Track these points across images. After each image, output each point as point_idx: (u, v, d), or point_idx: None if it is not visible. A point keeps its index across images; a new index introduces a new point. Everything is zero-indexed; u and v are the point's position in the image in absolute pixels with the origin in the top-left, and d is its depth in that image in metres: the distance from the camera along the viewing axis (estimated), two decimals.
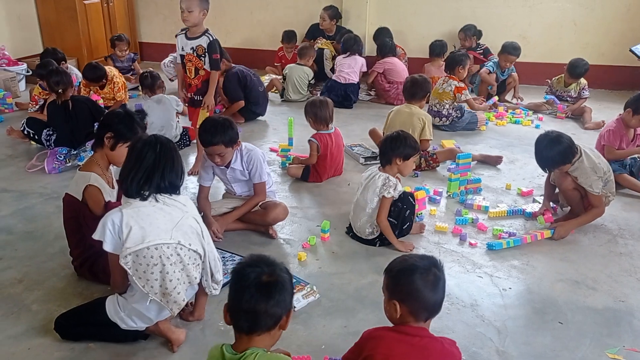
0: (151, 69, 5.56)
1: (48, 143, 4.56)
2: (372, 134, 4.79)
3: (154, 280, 2.23)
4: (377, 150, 4.64)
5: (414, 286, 1.83)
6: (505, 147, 4.95)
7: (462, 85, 5.29)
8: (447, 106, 5.29)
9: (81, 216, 2.76)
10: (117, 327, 2.33)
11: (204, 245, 2.35)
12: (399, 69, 6.27)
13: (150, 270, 2.21)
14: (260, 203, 3.37)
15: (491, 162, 4.53)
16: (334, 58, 6.88)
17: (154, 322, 2.35)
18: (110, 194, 2.83)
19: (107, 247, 2.21)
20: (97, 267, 2.77)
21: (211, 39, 4.12)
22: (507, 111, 5.95)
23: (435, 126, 4.94)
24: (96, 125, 4.25)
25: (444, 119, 5.32)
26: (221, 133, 3.07)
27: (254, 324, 1.64)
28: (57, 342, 2.39)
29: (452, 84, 5.26)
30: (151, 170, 2.25)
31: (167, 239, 2.22)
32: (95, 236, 2.22)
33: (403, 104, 4.55)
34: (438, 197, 3.84)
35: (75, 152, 4.43)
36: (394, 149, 3.20)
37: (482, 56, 6.76)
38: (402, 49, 6.99)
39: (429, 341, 1.83)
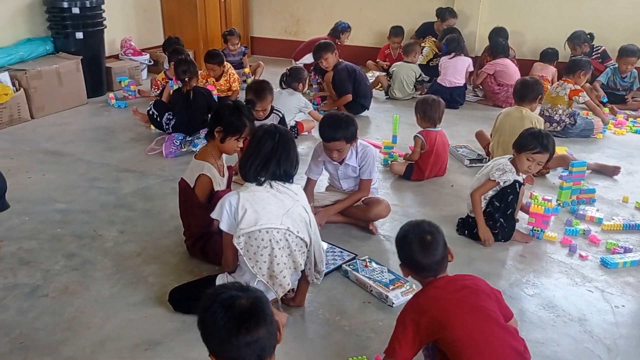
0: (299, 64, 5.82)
1: (167, 126, 4.86)
2: (479, 136, 4.68)
3: (263, 262, 2.33)
4: (483, 153, 4.55)
5: (408, 253, 2.03)
6: (623, 157, 4.65)
7: (578, 87, 5.02)
8: (559, 111, 5.04)
9: (189, 202, 2.94)
10: None
11: (310, 235, 2.42)
12: (510, 71, 6.06)
13: (260, 252, 2.32)
14: (363, 198, 3.42)
15: (607, 172, 4.27)
16: (433, 58, 6.79)
17: None
18: (221, 183, 2.98)
19: (223, 226, 2.35)
20: (208, 248, 2.94)
21: None
22: (627, 119, 5.58)
23: None
24: (209, 115, 4.65)
25: (555, 124, 5.08)
26: (344, 129, 3.13)
27: (262, 352, 1.46)
28: (170, 313, 2.56)
29: (567, 87, 5.00)
30: (268, 158, 2.36)
31: (277, 224, 2.31)
32: (214, 215, 2.37)
33: (513, 107, 4.40)
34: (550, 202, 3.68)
35: (190, 139, 4.69)
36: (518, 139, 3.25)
37: (599, 61, 6.37)
38: (514, 51, 6.75)
39: (461, 279, 2.05)
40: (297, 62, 6.55)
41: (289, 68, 5.37)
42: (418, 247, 2.00)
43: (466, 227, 3.34)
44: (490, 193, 3.23)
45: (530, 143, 3.15)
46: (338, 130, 3.15)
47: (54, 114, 5.56)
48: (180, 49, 5.60)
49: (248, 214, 2.29)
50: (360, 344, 2.39)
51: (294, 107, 5.01)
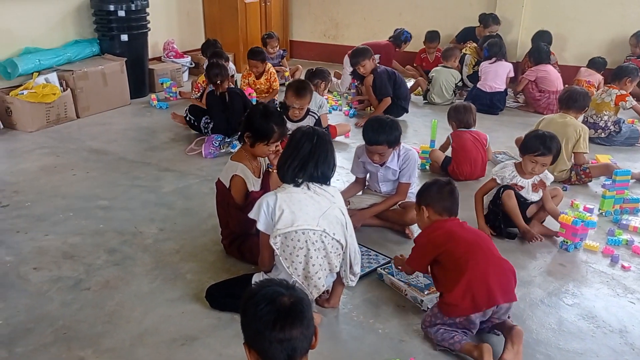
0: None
1: (206, 130, 4.95)
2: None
3: (298, 262, 2.36)
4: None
5: (435, 194, 2.54)
6: None
7: (624, 92, 4.89)
8: (605, 118, 4.93)
9: (226, 202, 2.99)
10: None
11: (346, 237, 2.43)
12: (552, 77, 5.94)
13: (296, 252, 2.34)
14: (399, 202, 3.41)
15: None
16: (475, 64, 6.71)
17: None
18: (255, 183, 3.01)
19: (260, 226, 2.38)
20: (244, 247, 2.98)
21: None
22: None
23: (589, 139, 4.62)
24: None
25: (599, 131, 4.96)
26: (387, 133, 3.15)
27: (294, 351, 1.48)
28: (207, 310, 2.60)
29: (612, 93, 4.89)
30: (306, 160, 2.38)
31: (314, 225, 2.33)
32: (251, 215, 2.40)
33: (557, 114, 4.33)
34: (589, 214, 3.59)
35: (228, 140, 4.76)
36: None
37: None
38: (555, 56, 6.62)
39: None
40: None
41: (316, 67, 5.42)
42: (447, 190, 2.54)
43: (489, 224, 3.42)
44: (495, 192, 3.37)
45: (534, 145, 3.21)
46: (381, 134, 3.16)
47: (98, 113, 5.73)
48: (220, 52, 5.70)
49: (285, 214, 2.32)
50: (395, 347, 2.39)
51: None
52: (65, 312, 2.59)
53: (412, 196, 3.48)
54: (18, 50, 5.52)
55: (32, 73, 5.42)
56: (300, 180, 2.39)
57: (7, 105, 5.15)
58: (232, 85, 5.34)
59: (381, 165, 3.37)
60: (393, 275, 2.83)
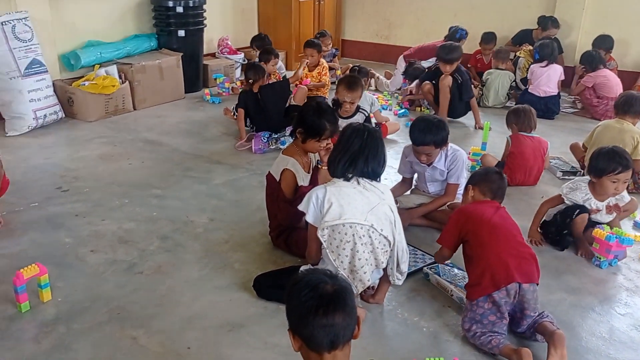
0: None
1: (251, 126, 5.04)
2: (574, 148, 4.49)
3: (345, 256, 2.38)
4: (577, 165, 4.37)
5: (488, 180, 2.72)
6: None
7: None
8: None
9: (275, 195, 3.04)
10: None
11: (394, 234, 2.44)
12: (612, 83, 5.74)
13: (342, 246, 2.37)
14: (448, 203, 3.38)
15: None
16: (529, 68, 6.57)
17: None
18: (304, 178, 3.05)
19: (309, 218, 2.42)
20: (291, 240, 3.02)
21: None
22: None
23: None
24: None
25: None
26: (434, 133, 3.13)
27: (337, 338, 1.50)
28: (254, 299, 2.66)
29: None
30: (356, 155, 2.40)
31: (361, 220, 2.35)
32: (301, 207, 2.44)
33: (613, 119, 4.20)
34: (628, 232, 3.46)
35: (276, 137, 4.83)
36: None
37: None
38: (616, 62, 6.41)
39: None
40: (420, 63, 6.48)
41: (357, 65, 5.44)
42: (496, 174, 2.73)
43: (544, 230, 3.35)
44: (562, 207, 3.26)
45: (610, 165, 3.05)
46: (428, 134, 3.15)
47: (154, 106, 5.90)
48: (270, 48, 5.78)
49: (333, 207, 2.35)
50: (439, 347, 2.38)
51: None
52: (119, 293, 2.69)
53: (460, 197, 3.46)
54: (81, 43, 5.75)
55: (94, 65, 5.64)
56: (350, 175, 2.41)
57: (69, 95, 5.37)
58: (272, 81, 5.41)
59: (428, 165, 3.35)
60: (439, 275, 2.82)
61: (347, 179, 2.42)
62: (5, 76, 4.81)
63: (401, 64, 6.64)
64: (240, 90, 5.74)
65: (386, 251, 2.45)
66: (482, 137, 4.65)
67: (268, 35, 6.60)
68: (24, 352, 2.28)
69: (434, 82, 5.48)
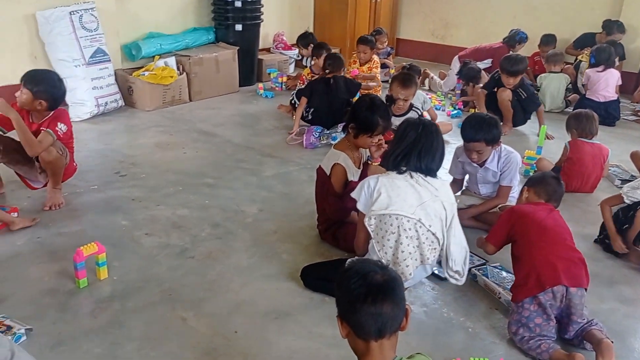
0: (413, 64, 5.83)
1: (307, 114, 5.08)
2: (634, 156, 4.33)
3: (389, 247, 2.40)
4: (637, 174, 4.23)
5: (546, 183, 2.72)
6: None
7: None
8: None
9: (325, 189, 3.06)
10: None
11: (444, 232, 2.43)
12: None
13: (387, 237, 2.39)
14: (499, 206, 3.33)
15: None
16: None
17: None
18: (355, 174, 3.06)
19: (359, 205, 2.46)
20: (339, 234, 3.05)
21: None
22: None
23: None
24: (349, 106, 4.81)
25: None
26: (485, 130, 3.10)
27: (384, 326, 1.52)
28: (300, 289, 2.70)
29: None
30: (409, 149, 2.42)
31: (409, 213, 2.36)
32: (353, 194, 2.50)
33: None
34: None
35: (328, 132, 4.86)
36: None
37: None
38: None
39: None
40: (475, 64, 6.38)
41: (409, 63, 5.42)
42: (552, 178, 2.74)
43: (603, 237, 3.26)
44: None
45: None
46: (479, 131, 3.11)
47: (209, 98, 6.03)
48: (323, 44, 5.81)
49: (382, 197, 2.38)
50: (484, 348, 2.36)
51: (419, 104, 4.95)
52: (171, 275, 2.78)
53: (512, 200, 3.41)
54: (143, 34, 5.94)
55: (154, 56, 5.82)
56: (403, 169, 2.42)
57: (129, 84, 5.56)
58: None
59: (480, 166, 3.31)
60: (487, 277, 2.78)
61: (400, 172, 2.43)
62: (70, 64, 5.02)
63: (455, 65, 6.56)
64: (299, 86, 5.85)
65: (434, 248, 2.45)
66: (537, 142, 4.55)
67: (313, 33, 6.67)
68: (81, 326, 2.38)
69: (494, 89, 5.22)
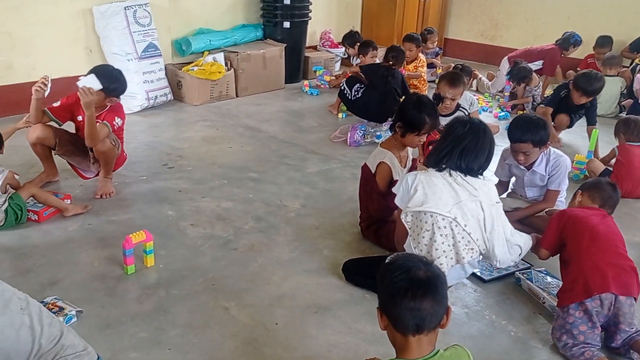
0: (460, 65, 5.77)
1: (352, 96, 5.14)
2: None
3: (423, 244, 2.39)
4: None
5: (605, 190, 2.68)
6: None
7: None
8: None
9: (369, 187, 3.06)
10: None
11: (483, 234, 2.40)
12: None
13: (422, 234, 2.39)
14: (546, 210, 3.26)
15: None
16: None
17: None
18: (400, 173, 3.05)
19: (397, 200, 2.49)
20: (381, 232, 3.04)
21: None
22: None
23: None
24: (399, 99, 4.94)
25: None
26: (532, 131, 3.01)
27: (422, 322, 1.52)
28: (341, 285, 2.71)
29: None
30: (453, 146, 2.41)
31: (444, 211, 2.35)
32: (394, 189, 2.51)
33: None
34: None
35: (372, 130, 4.86)
36: None
37: None
38: None
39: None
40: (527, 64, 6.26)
41: (460, 63, 5.36)
42: (607, 184, 2.72)
43: None
44: None
45: None
46: (526, 132, 3.04)
47: (255, 94, 6.11)
48: (369, 42, 5.82)
49: (418, 194, 2.38)
50: (526, 352, 2.32)
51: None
52: (214, 266, 2.84)
53: (560, 204, 3.33)
54: (193, 30, 6.06)
55: (203, 52, 5.94)
56: (443, 166, 2.41)
57: (178, 79, 5.68)
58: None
59: (528, 169, 3.24)
60: (532, 281, 2.73)
61: (440, 170, 2.42)
62: (123, 57, 5.17)
63: (505, 66, 6.43)
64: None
65: (471, 248, 2.42)
66: (588, 146, 4.42)
67: (359, 32, 6.67)
68: (128, 310, 2.46)
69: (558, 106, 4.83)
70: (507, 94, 6.07)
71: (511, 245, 2.48)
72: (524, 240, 2.58)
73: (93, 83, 3.23)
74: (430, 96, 4.17)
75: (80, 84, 3.22)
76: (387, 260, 1.64)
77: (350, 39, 6.56)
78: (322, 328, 2.40)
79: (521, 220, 3.30)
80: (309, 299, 2.60)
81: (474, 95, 5.25)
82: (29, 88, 3.24)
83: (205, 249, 3.00)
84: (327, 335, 2.36)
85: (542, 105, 5.10)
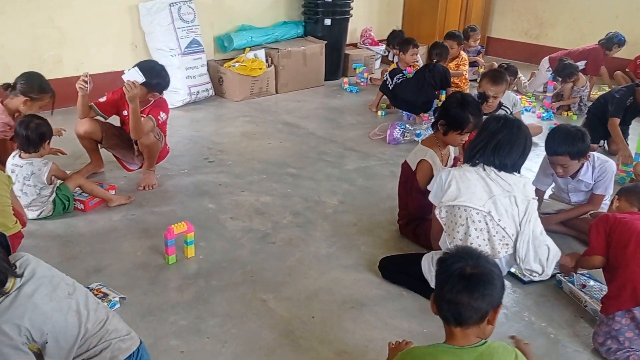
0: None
1: (391, 84, 5.21)
2: None
3: (458, 239, 2.38)
4: None
5: (632, 186, 2.73)
6: None
7: None
8: None
9: (409, 184, 3.05)
10: (428, 285, 2.52)
11: (517, 229, 2.37)
12: None
13: (456, 228, 2.37)
14: (590, 212, 3.19)
15: None
16: None
17: None
18: None
19: (431, 197, 2.49)
20: (420, 230, 3.02)
21: None
22: None
23: None
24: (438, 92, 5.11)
25: None
26: (569, 144, 2.90)
27: (459, 316, 1.54)
28: (377, 281, 2.72)
29: None
30: (487, 142, 2.39)
31: (478, 205, 2.33)
32: (429, 186, 2.51)
33: None
34: None
35: (412, 129, 4.83)
36: None
37: None
38: None
39: None
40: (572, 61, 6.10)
41: (506, 63, 5.29)
42: None
43: None
44: None
45: None
46: (562, 144, 2.92)
47: (294, 91, 6.14)
48: (410, 39, 5.78)
49: (451, 189, 2.38)
50: (565, 355, 2.28)
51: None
52: (253, 258, 2.88)
53: (605, 207, 3.24)
54: (235, 26, 6.14)
55: (244, 48, 6.01)
56: (477, 161, 2.40)
57: (220, 75, 5.77)
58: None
59: (572, 178, 3.16)
60: (573, 284, 2.67)
61: (474, 165, 2.40)
62: (167, 53, 5.28)
63: (544, 66, 6.32)
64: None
65: (506, 244, 2.38)
66: (636, 148, 4.29)
67: (403, 31, 6.63)
68: (169, 299, 2.52)
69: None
70: (549, 94, 5.94)
71: (540, 244, 2.40)
72: (555, 247, 2.48)
73: (137, 76, 3.31)
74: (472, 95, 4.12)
75: (125, 77, 3.31)
76: (451, 250, 1.67)
77: (396, 39, 6.50)
78: (359, 323, 2.41)
79: (564, 222, 3.25)
80: (345, 294, 2.61)
81: (517, 96, 5.17)
82: (77, 82, 3.34)
83: (244, 241, 3.05)
84: (364, 330, 2.37)
85: (613, 118, 4.49)
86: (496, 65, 6.82)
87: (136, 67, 3.36)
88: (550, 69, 6.16)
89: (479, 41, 6.93)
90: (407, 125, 4.85)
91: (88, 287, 2.39)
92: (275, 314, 2.45)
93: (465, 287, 1.53)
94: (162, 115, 3.56)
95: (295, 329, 2.36)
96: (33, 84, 3.39)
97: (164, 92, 3.67)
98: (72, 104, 3.66)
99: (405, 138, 4.74)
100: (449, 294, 1.54)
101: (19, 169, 3.09)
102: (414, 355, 1.62)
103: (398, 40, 6.40)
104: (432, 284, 2.48)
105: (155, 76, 3.44)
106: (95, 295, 2.35)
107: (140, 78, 3.31)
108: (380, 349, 2.25)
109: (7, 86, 3.39)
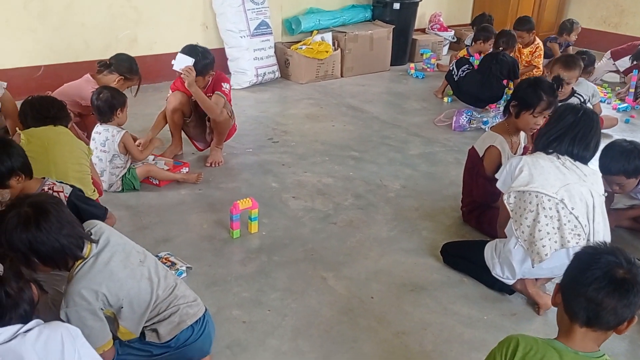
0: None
1: (457, 75, 5.10)
2: None
3: (526, 226, 2.31)
4: None
5: None
6: None
7: None
8: None
9: (475, 171, 2.99)
10: (489, 272, 2.49)
11: (589, 219, 2.29)
12: None
13: (525, 215, 2.31)
14: None
15: None
16: None
17: (518, 277, 2.42)
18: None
19: (499, 184, 2.44)
20: (484, 218, 2.98)
21: None
22: None
23: None
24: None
25: None
26: (623, 162, 2.73)
27: (596, 317, 1.41)
28: (438, 266, 2.71)
29: None
30: (564, 132, 2.34)
31: (550, 192, 2.26)
32: (497, 174, 2.47)
33: None
34: None
35: (479, 116, 4.73)
36: None
37: None
38: None
39: None
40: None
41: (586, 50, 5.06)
42: None
43: None
44: None
45: None
46: (615, 163, 2.74)
47: (359, 75, 6.12)
48: (487, 27, 5.61)
49: (523, 174, 2.32)
50: (634, 353, 2.20)
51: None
52: (314, 237, 2.93)
53: None
54: (303, 9, 6.16)
55: (312, 31, 6.03)
56: (551, 150, 2.35)
57: (286, 57, 5.82)
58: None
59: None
60: None
61: (548, 153, 2.33)
62: (237, 34, 5.38)
63: (607, 55, 6.05)
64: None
65: (577, 234, 2.28)
66: None
67: (492, 16, 6.37)
68: (232, 271, 2.61)
69: None
70: (632, 90, 5.62)
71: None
72: None
73: (187, 60, 3.35)
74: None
75: (176, 67, 3.36)
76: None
77: (481, 22, 6.20)
78: (417, 306, 2.41)
79: (635, 219, 3.11)
80: (405, 277, 2.61)
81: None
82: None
83: (306, 220, 3.09)
84: (422, 313, 2.37)
85: None
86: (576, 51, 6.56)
87: (180, 54, 3.39)
88: (612, 59, 5.94)
89: (575, 37, 6.57)
90: (473, 113, 4.75)
91: (157, 256, 2.50)
92: (335, 292, 2.48)
93: (614, 291, 1.41)
94: (225, 85, 3.63)
95: (354, 307, 2.39)
96: (131, 66, 3.72)
97: (231, 73, 3.72)
98: (146, 83, 3.79)
99: (472, 125, 4.65)
100: (594, 293, 1.41)
101: (98, 136, 3.25)
102: (536, 341, 1.48)
103: (487, 36, 6.10)
104: (494, 272, 2.47)
105: (203, 56, 3.46)
106: (164, 263, 2.46)
107: (190, 60, 3.35)
108: (439, 332, 2.25)
109: (104, 64, 3.68)
